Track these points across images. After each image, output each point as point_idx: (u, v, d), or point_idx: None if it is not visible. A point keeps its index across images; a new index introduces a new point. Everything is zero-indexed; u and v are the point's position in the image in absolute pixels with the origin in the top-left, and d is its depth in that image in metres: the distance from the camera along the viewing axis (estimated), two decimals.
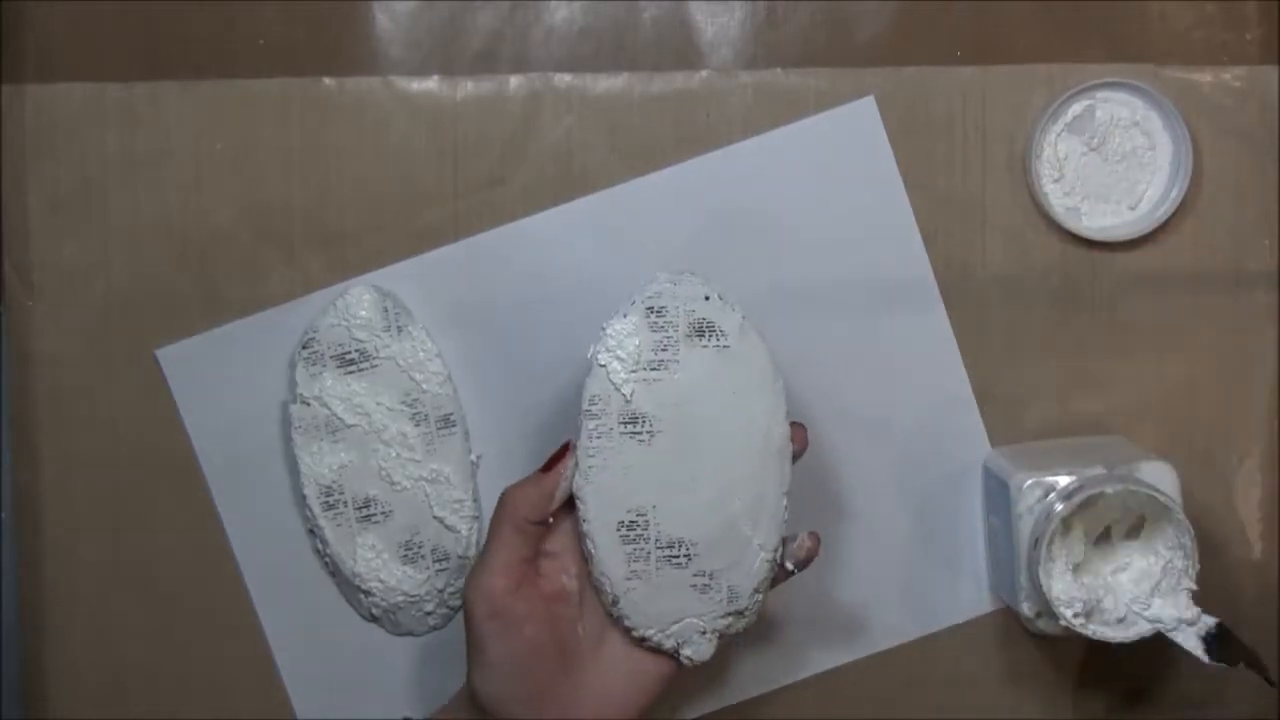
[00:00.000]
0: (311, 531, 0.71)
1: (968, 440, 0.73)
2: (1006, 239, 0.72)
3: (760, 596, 0.61)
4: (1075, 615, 0.65)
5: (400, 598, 0.71)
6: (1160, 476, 0.66)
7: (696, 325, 0.60)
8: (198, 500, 0.72)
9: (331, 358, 0.70)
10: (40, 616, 0.72)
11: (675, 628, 0.61)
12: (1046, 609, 0.65)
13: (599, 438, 0.60)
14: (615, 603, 0.60)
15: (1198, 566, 0.64)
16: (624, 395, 0.60)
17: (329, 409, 0.70)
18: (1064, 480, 0.66)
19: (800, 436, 0.63)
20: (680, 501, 0.60)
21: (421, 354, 0.70)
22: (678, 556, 0.60)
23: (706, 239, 0.71)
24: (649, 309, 0.60)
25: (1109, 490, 0.64)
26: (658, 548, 0.60)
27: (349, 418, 0.70)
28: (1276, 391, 0.73)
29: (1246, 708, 0.74)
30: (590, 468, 0.60)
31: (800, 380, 0.72)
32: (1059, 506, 0.65)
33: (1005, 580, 0.69)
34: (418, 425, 0.70)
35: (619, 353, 0.60)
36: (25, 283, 0.71)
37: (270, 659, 0.72)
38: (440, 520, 0.70)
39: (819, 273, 0.72)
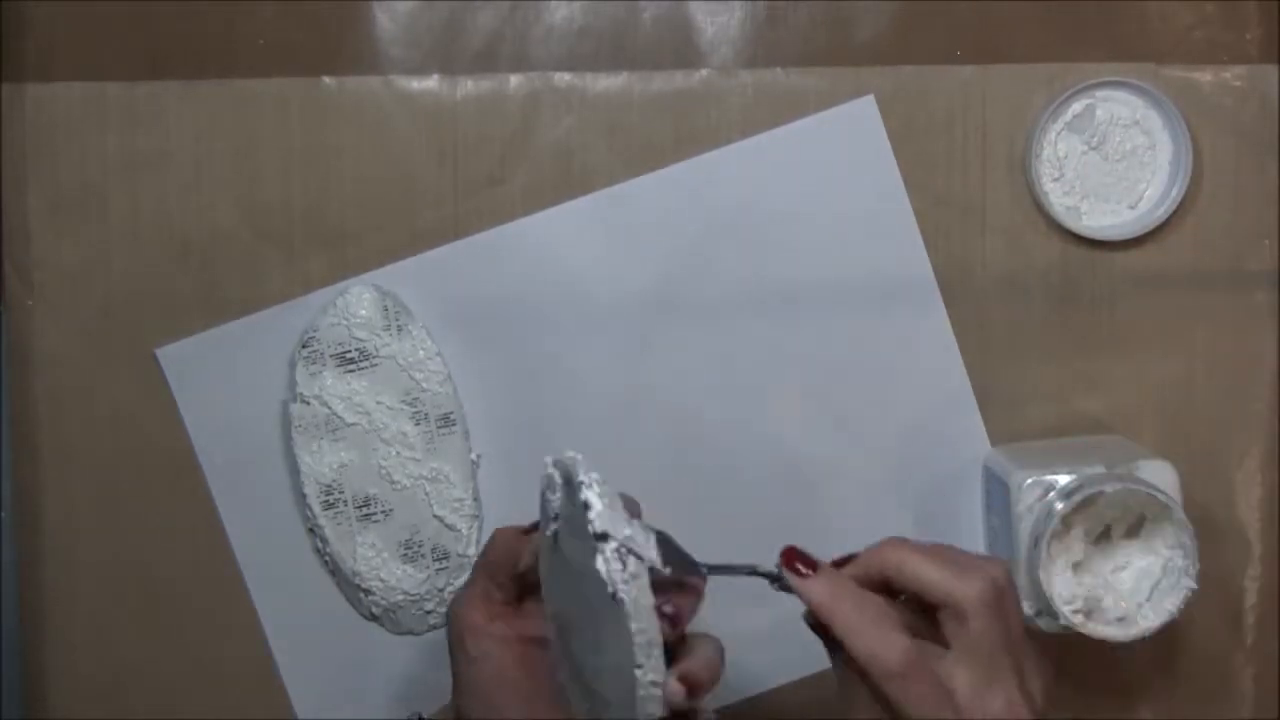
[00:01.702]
0: (311, 530, 0.71)
1: (968, 440, 0.73)
2: (1006, 239, 0.72)
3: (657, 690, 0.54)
4: (1075, 614, 0.65)
5: (400, 597, 0.71)
6: (1160, 476, 0.66)
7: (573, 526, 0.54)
8: (198, 500, 0.72)
9: (331, 357, 0.70)
10: (40, 616, 0.72)
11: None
12: (1046, 608, 0.65)
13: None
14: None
15: (1198, 566, 0.64)
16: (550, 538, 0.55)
17: (329, 408, 0.70)
18: (1064, 479, 0.66)
19: (690, 602, 0.56)
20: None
21: (421, 353, 0.70)
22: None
23: (706, 239, 0.71)
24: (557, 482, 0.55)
25: (1109, 489, 0.64)
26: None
27: (349, 417, 0.70)
28: (1276, 391, 0.73)
29: (1248, 708, 0.73)
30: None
31: (800, 380, 0.72)
32: (1059, 505, 0.65)
33: None
34: (418, 424, 0.70)
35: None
36: (25, 283, 0.71)
37: (270, 659, 0.72)
38: (440, 519, 0.70)
39: (819, 273, 0.72)
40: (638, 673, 0.51)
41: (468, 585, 0.60)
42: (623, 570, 0.51)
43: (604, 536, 0.51)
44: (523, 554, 0.58)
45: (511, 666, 0.58)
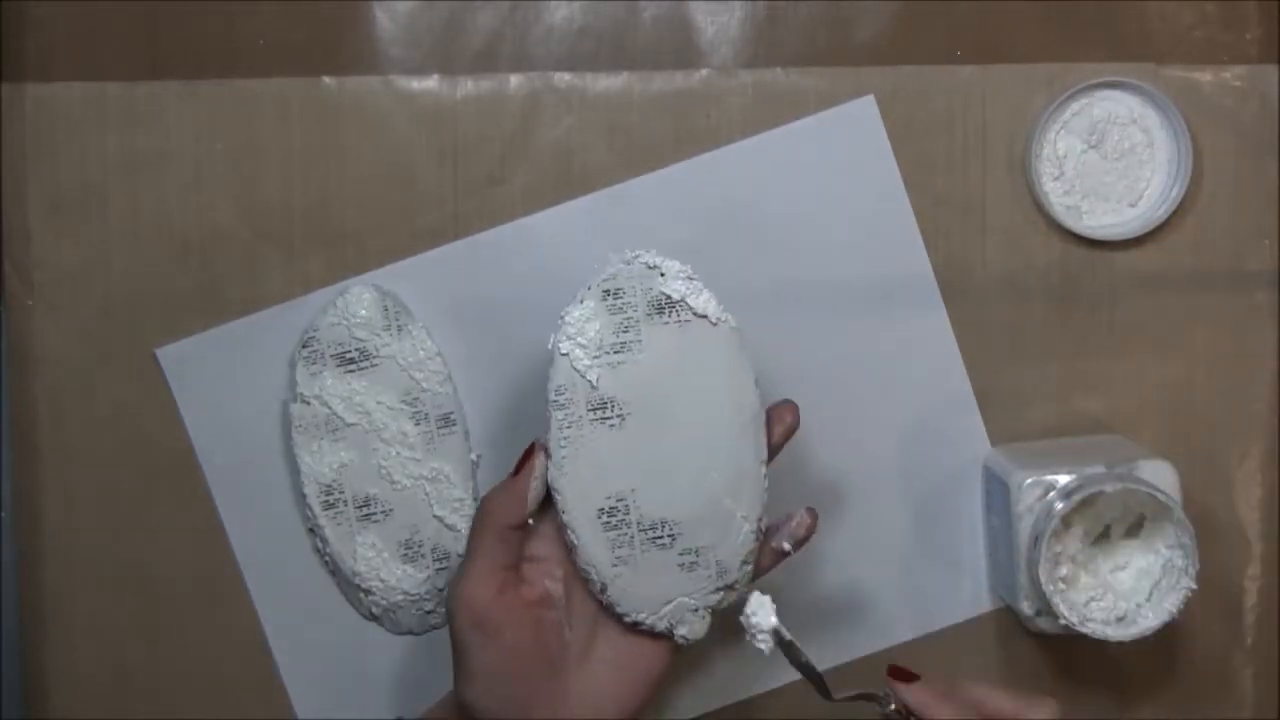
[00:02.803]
0: (311, 530, 0.71)
1: (968, 440, 0.73)
2: (1006, 239, 0.72)
3: (749, 568, 0.61)
4: (1075, 614, 0.65)
5: (400, 596, 0.71)
6: (1160, 475, 0.66)
7: (655, 303, 0.60)
8: (198, 500, 0.72)
9: (331, 357, 0.70)
10: (40, 616, 0.72)
11: (667, 609, 0.60)
12: (1046, 608, 0.65)
13: (569, 428, 0.59)
14: (604, 590, 0.60)
15: (1197, 566, 0.64)
16: (589, 382, 0.59)
17: (329, 408, 0.70)
18: (1064, 479, 0.66)
19: (792, 413, 0.62)
20: (659, 482, 0.60)
21: (421, 353, 0.70)
22: (662, 538, 0.60)
23: (706, 239, 0.72)
24: (605, 292, 0.60)
25: (1109, 489, 0.64)
26: (640, 531, 0.60)
27: (349, 417, 0.70)
28: (1276, 391, 0.73)
29: (1248, 708, 0.73)
30: (563, 459, 0.59)
31: (800, 380, 0.72)
32: (1059, 505, 0.65)
33: (1005, 579, 0.69)
34: (418, 424, 0.70)
35: (580, 339, 0.59)
36: (25, 283, 0.71)
37: (270, 659, 0.72)
38: (440, 519, 0.70)
39: (819, 273, 0.72)
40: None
41: (468, 565, 0.60)
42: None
43: None
44: (525, 496, 0.60)
45: (528, 636, 0.59)
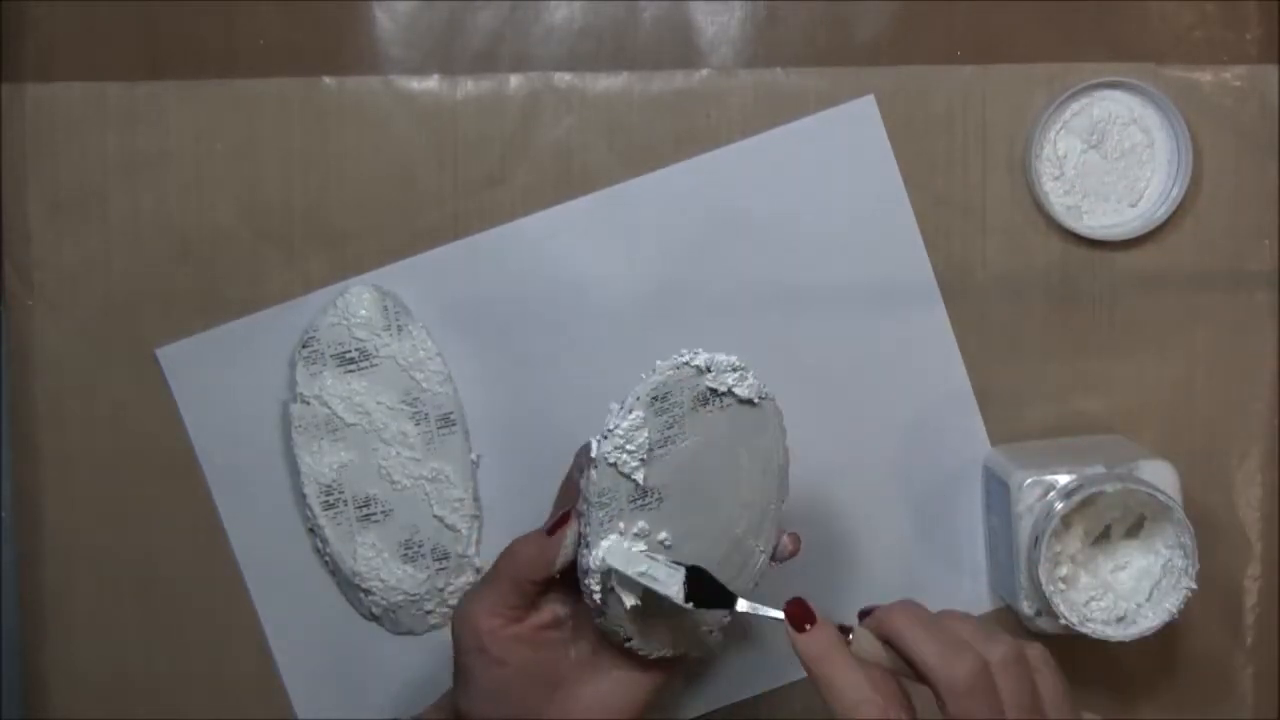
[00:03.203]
0: (311, 531, 0.71)
1: (968, 439, 0.73)
2: (1006, 239, 0.72)
3: (756, 586, 0.61)
4: (1075, 614, 0.65)
5: (400, 597, 0.71)
6: (1160, 475, 0.66)
7: (701, 397, 0.58)
8: (198, 500, 0.72)
9: (331, 357, 0.70)
10: (40, 616, 0.72)
11: (684, 639, 0.60)
12: (1046, 608, 0.65)
13: (608, 522, 0.58)
14: (628, 640, 0.59)
15: (1197, 566, 0.64)
16: (634, 481, 0.58)
17: (329, 408, 0.70)
18: (1064, 479, 0.66)
19: (793, 542, 0.62)
20: (689, 539, 0.59)
21: (421, 353, 0.70)
22: None
23: (706, 239, 0.72)
24: (654, 398, 0.58)
25: (1109, 489, 0.64)
26: None
27: (349, 417, 0.70)
28: (1276, 391, 0.73)
29: (1248, 708, 0.73)
30: (599, 546, 0.58)
31: (800, 380, 0.72)
32: (1059, 505, 0.65)
33: (1005, 579, 0.69)
34: (418, 424, 0.70)
35: (628, 447, 0.57)
36: (25, 283, 0.71)
37: (270, 659, 0.72)
38: (440, 519, 0.70)
39: (819, 273, 0.72)
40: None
41: (483, 592, 0.60)
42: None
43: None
44: (551, 559, 0.59)
45: (532, 661, 0.59)
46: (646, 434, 0.57)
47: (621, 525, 0.58)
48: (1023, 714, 0.53)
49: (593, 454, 0.57)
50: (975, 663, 0.53)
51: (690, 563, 0.57)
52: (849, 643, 0.55)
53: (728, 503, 0.59)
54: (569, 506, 0.59)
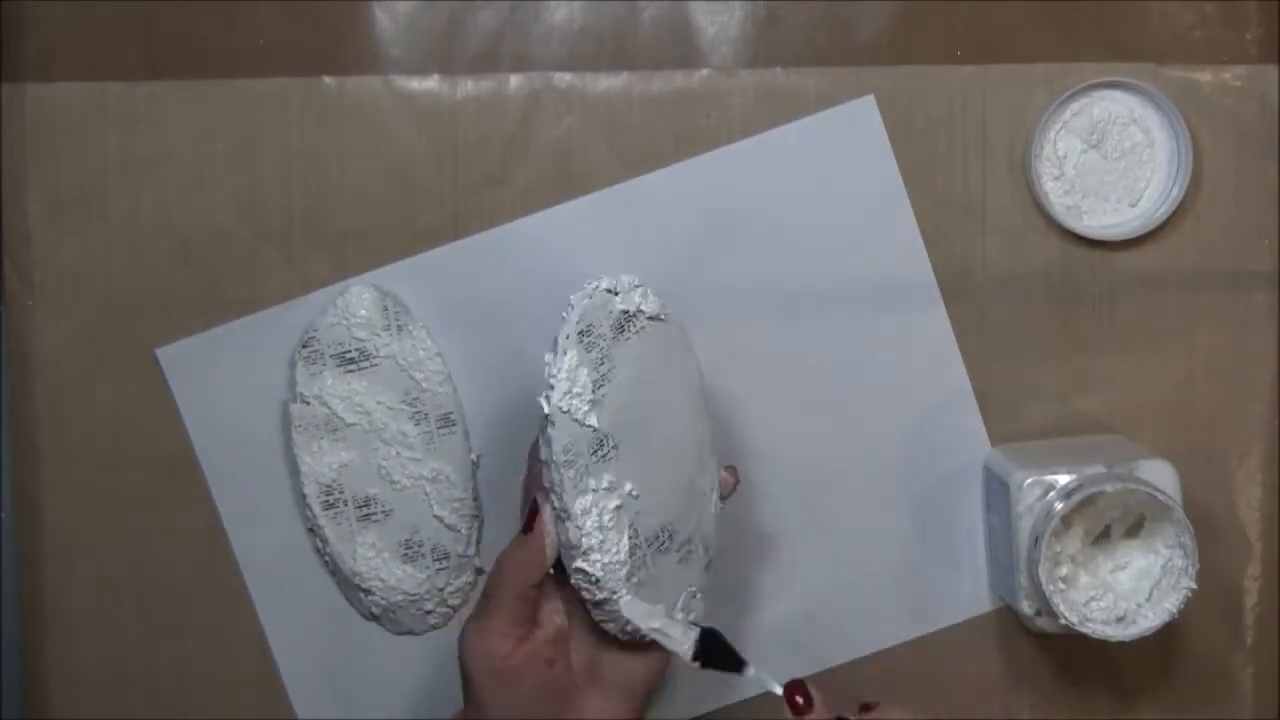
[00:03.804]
0: (311, 531, 0.71)
1: (968, 440, 0.73)
2: (1006, 239, 0.72)
3: (716, 530, 0.62)
4: (1075, 614, 0.65)
5: (400, 597, 0.71)
6: (1160, 475, 0.66)
7: (617, 323, 0.60)
8: (198, 500, 0.72)
9: (331, 357, 0.70)
10: (40, 616, 0.72)
11: (677, 605, 0.61)
12: (1046, 608, 0.65)
13: (580, 480, 0.58)
14: (624, 628, 0.59)
15: (1197, 566, 0.64)
16: (591, 427, 0.58)
17: (329, 408, 0.70)
18: (1064, 479, 0.66)
19: (732, 475, 0.64)
20: (651, 491, 0.59)
21: (421, 353, 0.70)
22: (664, 544, 0.60)
23: (706, 239, 0.72)
24: (580, 333, 0.58)
25: (1109, 489, 0.64)
26: (648, 546, 0.60)
27: (349, 417, 0.70)
28: (1276, 391, 0.73)
29: (1248, 708, 0.73)
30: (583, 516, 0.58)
31: (800, 380, 0.72)
32: (1059, 505, 0.65)
33: (1005, 579, 0.69)
34: (418, 424, 0.70)
35: (575, 390, 0.58)
36: (25, 283, 0.71)
37: (270, 659, 0.72)
38: (440, 519, 0.70)
39: (819, 273, 0.72)
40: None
41: (488, 619, 0.60)
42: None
43: None
44: (543, 555, 0.59)
45: (543, 676, 0.60)
46: (586, 372, 0.58)
47: (591, 483, 0.58)
48: None
49: (545, 411, 0.58)
50: None
51: (671, 529, 0.59)
52: None
53: (673, 438, 0.60)
54: (533, 497, 0.60)
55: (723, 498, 0.63)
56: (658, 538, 0.60)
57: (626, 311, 0.60)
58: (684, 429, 0.60)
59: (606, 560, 0.58)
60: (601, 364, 0.58)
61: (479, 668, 0.59)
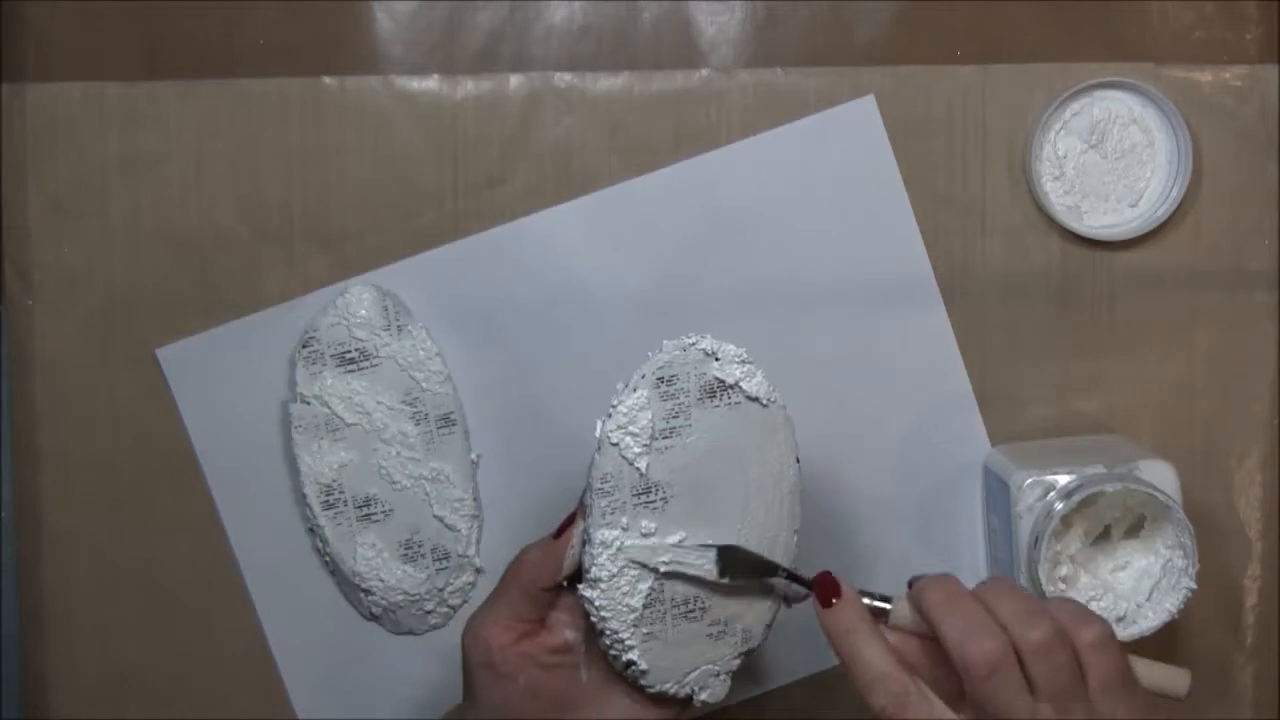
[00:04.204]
0: (311, 530, 0.71)
1: (968, 440, 0.73)
2: (1006, 239, 0.72)
3: (770, 629, 0.60)
4: None
5: (400, 596, 0.71)
6: (1160, 476, 0.66)
7: (708, 387, 0.58)
8: (198, 500, 0.72)
9: (331, 357, 0.70)
10: (40, 616, 0.72)
11: (691, 677, 0.59)
12: None
13: (611, 514, 0.57)
14: (629, 667, 0.59)
15: (1197, 566, 0.64)
16: (638, 470, 0.57)
17: (329, 408, 0.70)
18: (1064, 479, 0.66)
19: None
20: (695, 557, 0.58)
21: (421, 353, 0.70)
22: (694, 611, 0.59)
23: (706, 239, 0.72)
24: (659, 380, 0.58)
25: (1109, 489, 0.64)
26: (674, 607, 0.58)
27: (349, 417, 0.70)
28: (1276, 391, 0.73)
29: (1248, 708, 0.73)
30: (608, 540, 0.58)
31: (801, 380, 0.72)
32: (1059, 505, 0.65)
33: None
34: (418, 424, 0.70)
35: (631, 429, 0.57)
36: (25, 283, 0.71)
37: (270, 659, 0.72)
38: (440, 519, 0.70)
39: (819, 273, 0.72)
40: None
41: (491, 607, 0.60)
42: None
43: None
44: (558, 561, 0.59)
45: (540, 680, 0.59)
46: (650, 416, 0.57)
47: (624, 520, 0.57)
48: (1060, 700, 0.52)
49: (596, 434, 0.57)
50: (997, 645, 0.52)
51: (707, 604, 0.58)
52: (888, 613, 0.55)
53: (736, 518, 0.58)
54: (574, 508, 0.59)
55: (789, 602, 0.61)
56: (687, 603, 0.58)
57: (722, 381, 0.58)
58: (753, 513, 0.59)
59: (616, 598, 0.57)
60: (675, 417, 0.58)
61: (473, 655, 0.59)
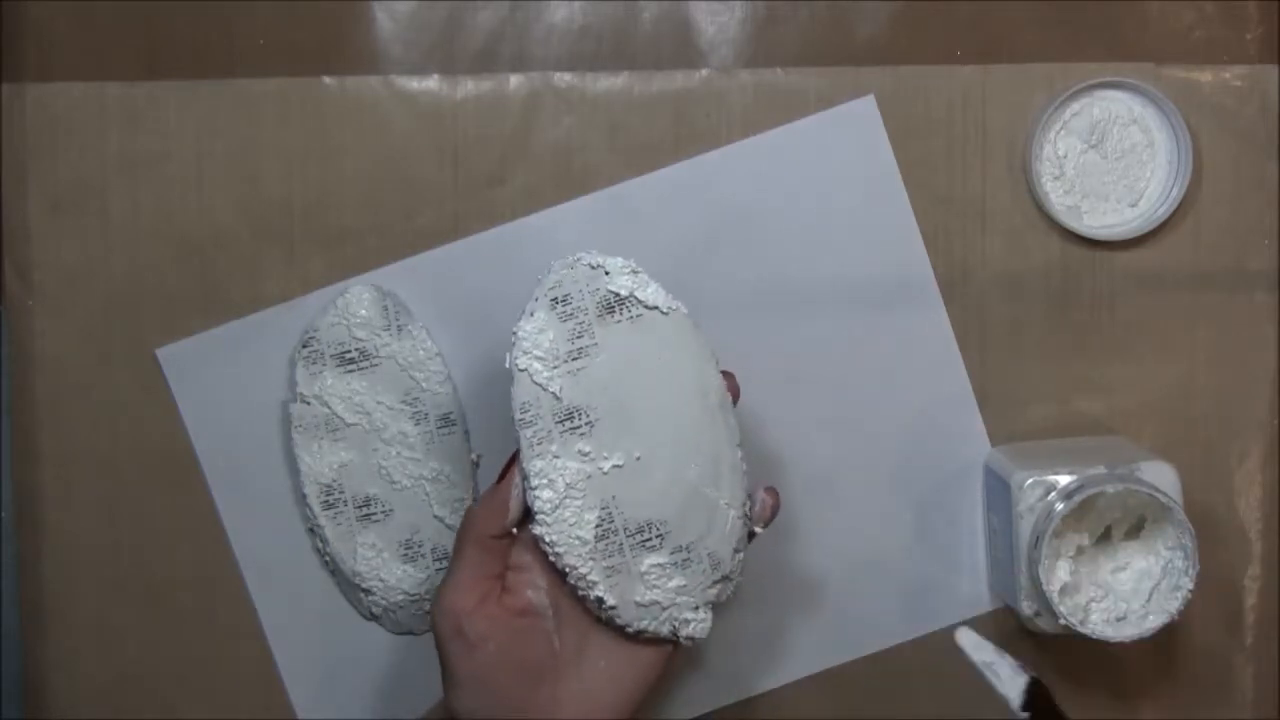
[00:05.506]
0: (311, 530, 0.71)
1: (968, 440, 0.73)
2: (1006, 239, 0.72)
3: (741, 555, 0.61)
4: (1075, 615, 0.65)
5: (400, 596, 0.71)
6: (1160, 476, 0.66)
7: (604, 303, 0.59)
8: (198, 500, 0.72)
9: (331, 357, 0.70)
10: (40, 616, 0.72)
11: (667, 613, 0.60)
12: (1046, 608, 0.65)
13: (539, 443, 0.58)
14: (601, 604, 0.59)
15: (1198, 567, 0.64)
16: (553, 394, 0.58)
17: (329, 408, 0.70)
18: (1064, 479, 0.66)
19: (731, 386, 0.61)
20: (637, 483, 0.59)
21: (421, 353, 0.70)
22: (650, 539, 0.59)
23: (706, 238, 0.72)
24: (553, 300, 0.59)
25: (1109, 489, 0.64)
26: (628, 536, 0.59)
27: (349, 417, 0.70)
28: (1277, 391, 0.73)
29: (1248, 708, 0.73)
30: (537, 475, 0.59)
31: (800, 380, 0.72)
32: (1059, 506, 0.65)
33: (1005, 579, 0.69)
34: (418, 424, 0.70)
35: (536, 352, 0.58)
36: (25, 283, 0.71)
37: (270, 659, 0.72)
38: (440, 519, 0.70)
39: (819, 273, 0.72)
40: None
41: (451, 572, 0.60)
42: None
43: None
44: (507, 505, 0.59)
45: (511, 645, 0.59)
46: (552, 337, 0.58)
47: (553, 448, 0.58)
48: None
49: (506, 366, 0.58)
50: None
51: (663, 530, 0.58)
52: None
53: (668, 439, 0.59)
54: (514, 450, 0.60)
55: (761, 524, 0.62)
56: (641, 532, 0.59)
57: (617, 294, 0.59)
58: (686, 429, 0.59)
59: (565, 531, 0.58)
60: (579, 337, 0.59)
61: (443, 627, 0.59)
